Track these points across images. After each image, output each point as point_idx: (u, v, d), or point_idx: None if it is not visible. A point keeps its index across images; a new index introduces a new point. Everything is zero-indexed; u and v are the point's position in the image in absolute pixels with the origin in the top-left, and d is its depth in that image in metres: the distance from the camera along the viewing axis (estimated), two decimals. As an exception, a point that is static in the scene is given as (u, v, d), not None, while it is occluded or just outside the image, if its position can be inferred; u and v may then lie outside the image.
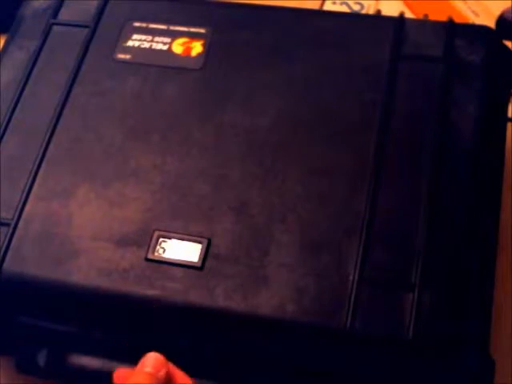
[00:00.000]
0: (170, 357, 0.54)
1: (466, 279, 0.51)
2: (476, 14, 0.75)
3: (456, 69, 0.58)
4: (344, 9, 0.75)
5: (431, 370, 0.50)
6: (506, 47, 0.61)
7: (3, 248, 0.54)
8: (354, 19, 0.62)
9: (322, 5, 0.75)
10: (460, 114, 0.56)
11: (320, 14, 0.62)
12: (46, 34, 0.63)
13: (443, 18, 0.60)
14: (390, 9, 0.72)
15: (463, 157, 0.54)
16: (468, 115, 0.56)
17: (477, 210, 0.53)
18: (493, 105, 0.58)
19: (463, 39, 0.59)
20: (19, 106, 0.60)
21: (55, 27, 0.64)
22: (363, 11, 0.73)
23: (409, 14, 0.73)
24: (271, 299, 0.51)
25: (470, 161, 0.54)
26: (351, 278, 0.51)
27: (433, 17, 0.61)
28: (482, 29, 0.61)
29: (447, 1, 0.76)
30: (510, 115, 0.61)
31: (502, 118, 0.59)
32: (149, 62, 0.61)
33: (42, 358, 0.54)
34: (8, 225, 0.55)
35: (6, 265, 0.54)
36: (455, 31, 0.60)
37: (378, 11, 0.59)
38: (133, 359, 0.54)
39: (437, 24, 0.61)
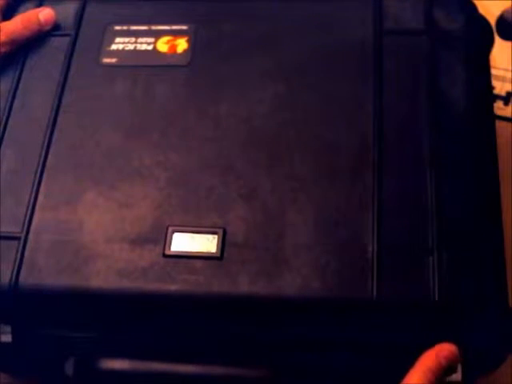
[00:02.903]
0: (198, 349, 0.55)
1: (479, 237, 0.52)
2: (476, 14, 0.76)
3: (439, 39, 0.59)
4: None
5: (457, 330, 0.51)
6: (481, 15, 0.63)
7: (17, 261, 0.53)
8: (333, 1, 0.64)
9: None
10: (450, 81, 0.57)
11: (300, 0, 0.63)
12: (27, 45, 0.62)
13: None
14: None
15: (460, 118, 0.56)
16: (458, 81, 0.57)
17: (480, 162, 0.55)
18: (478, 68, 0.59)
19: (441, 10, 0.61)
20: (11, 118, 0.59)
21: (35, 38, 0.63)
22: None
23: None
24: (295, 280, 0.51)
25: (467, 121, 0.56)
26: (370, 248, 0.51)
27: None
28: (457, -1, 0.62)
29: (447, 1, 0.77)
30: (510, 115, 0.62)
31: (487, 78, 0.61)
32: (136, 64, 0.61)
33: (69, 368, 0.53)
34: (18, 238, 0.54)
35: (21, 278, 0.53)
36: (432, 3, 0.61)
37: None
38: (162, 357, 0.54)
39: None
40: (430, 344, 0.51)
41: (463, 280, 0.50)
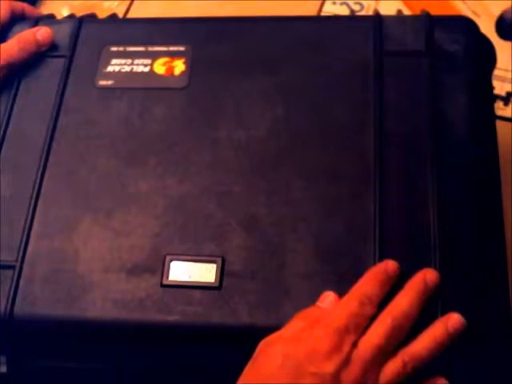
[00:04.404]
0: (196, 380, 0.54)
1: (483, 267, 0.51)
2: (476, 14, 0.75)
3: (440, 60, 0.58)
4: (344, 9, 0.75)
5: (456, 359, 0.50)
6: (483, 36, 0.62)
7: (12, 291, 0.52)
8: (332, 22, 0.63)
9: (322, 5, 0.75)
10: (451, 103, 0.56)
11: (299, 20, 0.62)
12: (22, 66, 0.61)
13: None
14: (390, 9, 0.72)
15: (461, 144, 0.55)
16: (459, 103, 0.56)
17: (481, 193, 0.54)
18: (480, 90, 0.58)
19: (442, 31, 0.60)
20: (5, 143, 0.58)
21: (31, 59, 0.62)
22: (363, 11, 0.73)
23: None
24: (294, 310, 0.50)
25: (468, 148, 0.55)
26: (371, 279, 0.51)
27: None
28: (460, 19, 0.61)
29: (447, 1, 0.76)
30: (510, 115, 0.61)
31: (489, 99, 0.60)
32: (132, 86, 0.60)
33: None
34: (13, 267, 0.53)
35: (17, 308, 0.52)
36: (433, 24, 0.60)
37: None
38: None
39: (414, 18, 0.62)
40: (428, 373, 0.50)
41: (466, 310, 0.49)
